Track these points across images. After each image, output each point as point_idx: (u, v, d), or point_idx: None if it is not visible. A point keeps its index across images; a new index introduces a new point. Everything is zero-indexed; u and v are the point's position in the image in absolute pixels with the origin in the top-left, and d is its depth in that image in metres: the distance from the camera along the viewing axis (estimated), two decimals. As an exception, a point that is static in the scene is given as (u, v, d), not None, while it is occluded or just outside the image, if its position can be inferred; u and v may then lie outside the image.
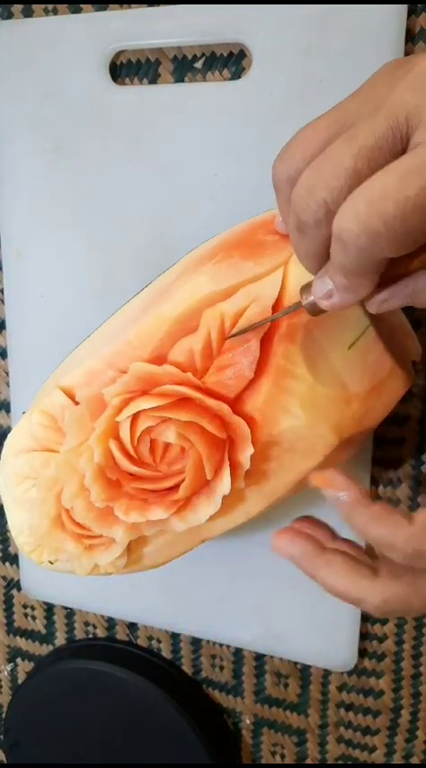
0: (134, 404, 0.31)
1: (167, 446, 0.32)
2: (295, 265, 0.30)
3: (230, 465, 0.32)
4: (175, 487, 0.32)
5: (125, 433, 0.32)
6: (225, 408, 0.31)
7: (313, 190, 0.24)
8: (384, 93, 0.23)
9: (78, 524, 0.34)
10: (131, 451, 0.32)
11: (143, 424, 0.32)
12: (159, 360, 0.32)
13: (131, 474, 0.33)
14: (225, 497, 0.32)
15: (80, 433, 0.33)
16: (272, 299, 0.30)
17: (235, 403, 0.32)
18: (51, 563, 0.36)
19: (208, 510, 0.32)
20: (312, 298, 0.26)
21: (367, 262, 0.23)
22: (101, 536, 0.34)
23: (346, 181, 0.23)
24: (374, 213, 0.22)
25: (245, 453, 0.32)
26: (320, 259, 0.26)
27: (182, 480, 0.32)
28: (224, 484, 0.32)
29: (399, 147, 0.23)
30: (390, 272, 0.25)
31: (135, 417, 0.32)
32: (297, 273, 0.30)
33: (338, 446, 0.32)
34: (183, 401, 0.31)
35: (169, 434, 0.31)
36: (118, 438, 0.32)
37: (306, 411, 0.31)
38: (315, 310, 0.27)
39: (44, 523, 0.35)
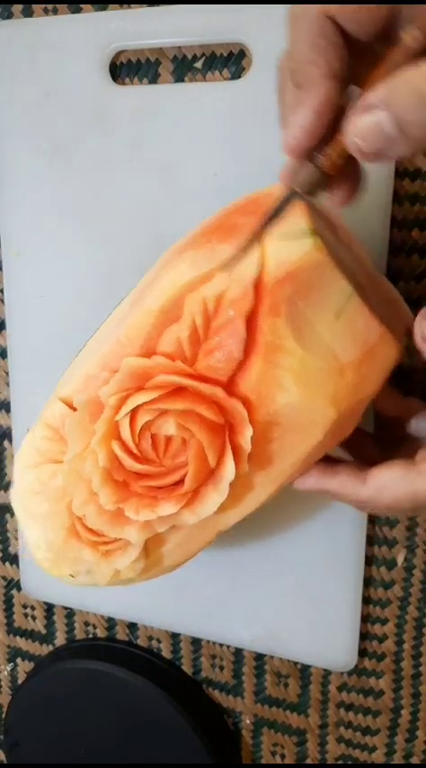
0: (130, 400, 0.31)
1: (169, 440, 0.32)
2: (272, 243, 0.30)
3: (232, 449, 0.32)
4: (182, 481, 0.32)
5: (126, 432, 0.32)
6: (219, 392, 0.31)
7: None
8: None
9: (92, 531, 0.34)
10: (134, 450, 0.32)
11: (142, 420, 0.32)
12: (149, 353, 0.32)
13: (137, 473, 0.33)
14: (233, 486, 0.32)
15: (82, 439, 0.33)
16: (253, 277, 0.30)
17: (229, 386, 0.31)
18: (73, 576, 0.36)
19: (217, 499, 0.32)
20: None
21: None
22: (116, 540, 0.34)
23: None
24: None
25: (245, 435, 0.31)
26: None
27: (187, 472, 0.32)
28: (228, 469, 0.32)
29: None
30: None
31: (133, 414, 0.32)
32: (276, 251, 0.30)
33: (337, 420, 0.32)
34: (178, 390, 0.31)
35: (168, 426, 0.31)
36: (119, 438, 0.32)
37: (300, 385, 0.31)
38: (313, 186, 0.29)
39: (59, 535, 0.35)
